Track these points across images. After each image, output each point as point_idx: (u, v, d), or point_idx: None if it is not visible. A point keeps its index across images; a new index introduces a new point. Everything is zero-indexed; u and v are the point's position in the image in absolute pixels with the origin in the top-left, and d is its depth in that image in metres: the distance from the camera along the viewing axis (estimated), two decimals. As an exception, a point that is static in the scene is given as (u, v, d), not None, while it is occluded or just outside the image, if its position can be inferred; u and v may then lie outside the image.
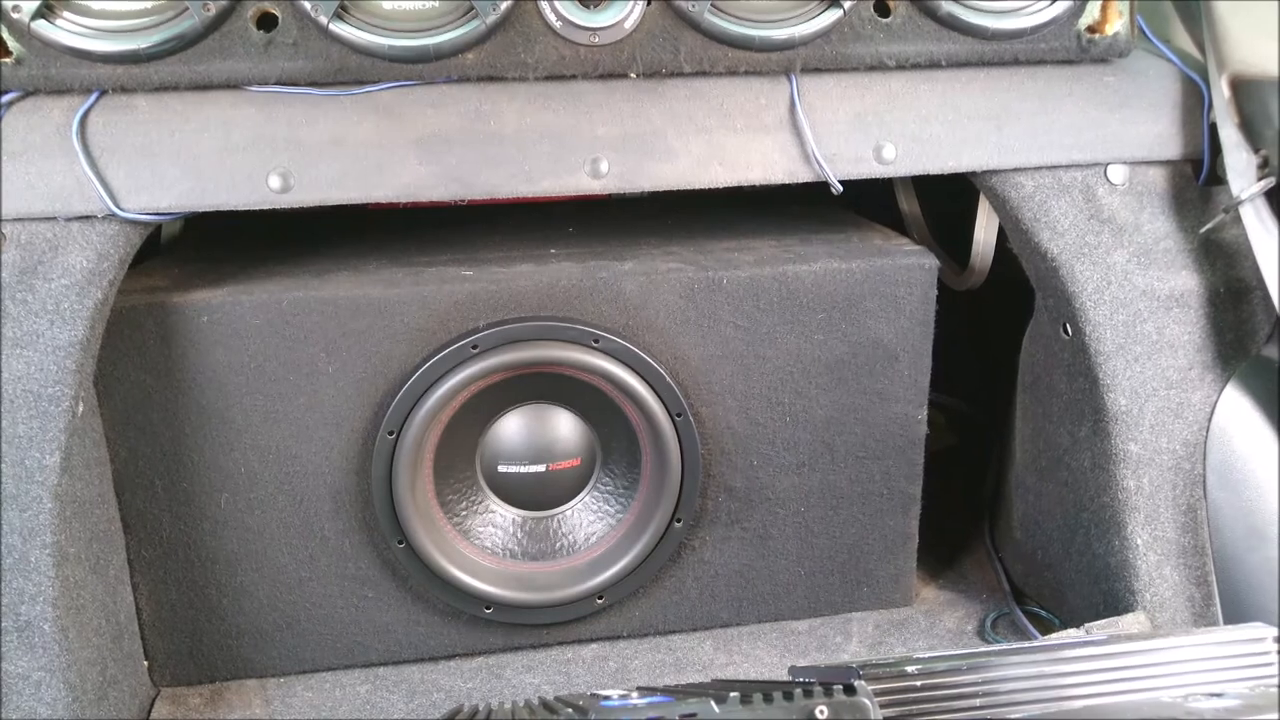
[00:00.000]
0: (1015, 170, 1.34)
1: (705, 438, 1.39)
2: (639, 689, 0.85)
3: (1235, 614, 1.32)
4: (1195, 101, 1.36)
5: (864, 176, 1.32)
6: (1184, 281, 1.35)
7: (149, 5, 1.16)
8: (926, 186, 1.76)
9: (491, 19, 1.18)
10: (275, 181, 1.20)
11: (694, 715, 0.72)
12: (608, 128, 1.26)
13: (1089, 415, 1.37)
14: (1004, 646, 1.06)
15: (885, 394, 1.41)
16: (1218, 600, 1.33)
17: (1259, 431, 1.32)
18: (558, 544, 1.42)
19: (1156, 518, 1.34)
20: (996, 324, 1.58)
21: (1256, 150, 1.29)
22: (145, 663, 1.35)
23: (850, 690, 0.74)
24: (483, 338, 1.30)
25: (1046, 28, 1.32)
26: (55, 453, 1.15)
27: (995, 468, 1.69)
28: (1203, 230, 1.35)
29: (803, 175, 1.31)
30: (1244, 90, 1.31)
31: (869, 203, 1.67)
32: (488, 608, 1.39)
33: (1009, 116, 1.33)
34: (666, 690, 0.83)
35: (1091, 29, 1.33)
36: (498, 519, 1.41)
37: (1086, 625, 1.27)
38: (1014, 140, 1.33)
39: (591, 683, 1.40)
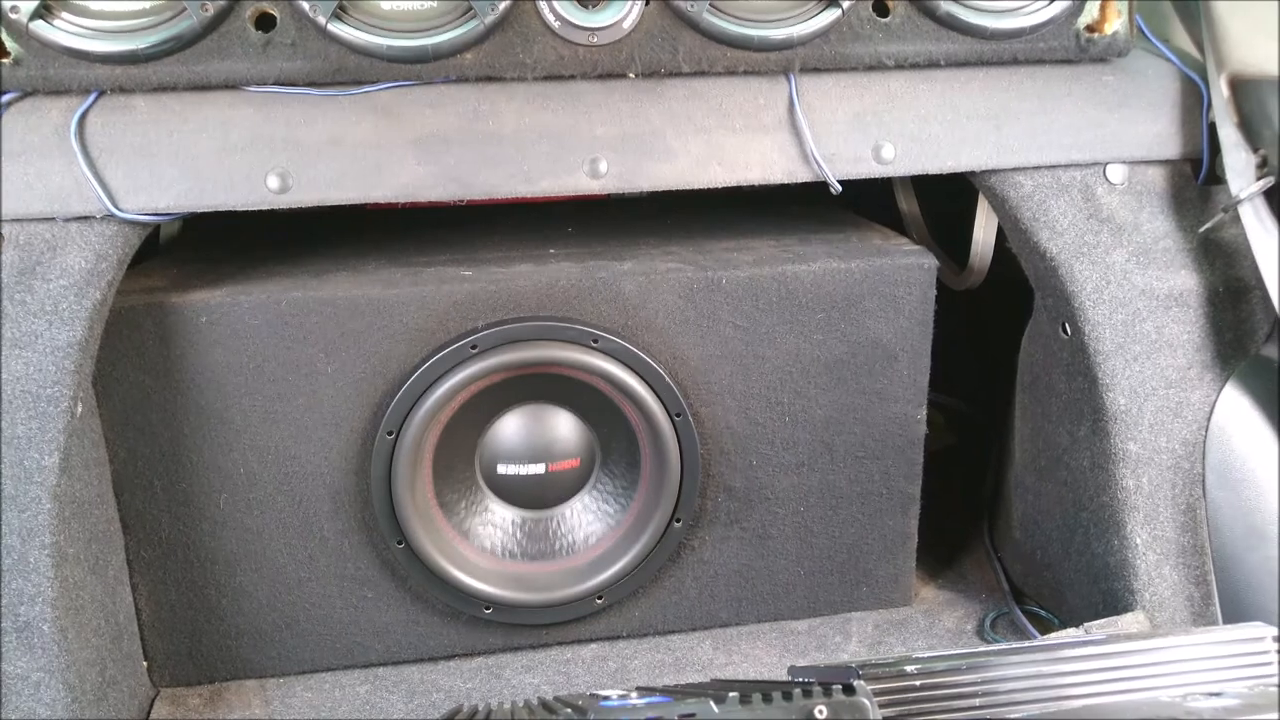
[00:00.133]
0: (1014, 170, 1.34)
1: (704, 438, 1.39)
2: (638, 689, 0.85)
3: (1234, 613, 1.32)
4: (1194, 101, 1.36)
5: (863, 176, 1.32)
6: (1183, 281, 1.35)
7: (147, 6, 1.16)
8: (925, 186, 1.76)
9: (490, 19, 1.18)
10: (274, 182, 1.20)
11: (693, 715, 0.72)
12: (606, 128, 1.26)
13: (1088, 415, 1.37)
14: (1003, 646, 1.07)
15: (884, 394, 1.41)
16: (1217, 600, 1.33)
17: (1258, 431, 1.32)
18: (557, 544, 1.42)
19: (1156, 517, 1.34)
20: (996, 324, 1.58)
21: (1255, 150, 1.29)
22: (144, 663, 1.35)
23: (849, 690, 0.74)
24: (482, 338, 1.30)
25: (1045, 27, 1.32)
26: (54, 453, 1.15)
27: (994, 467, 1.69)
28: (1202, 230, 1.35)
29: (802, 175, 1.31)
30: (1243, 90, 1.31)
31: (868, 203, 1.67)
32: (487, 608, 1.39)
33: (1008, 116, 1.33)
34: (666, 690, 0.83)
35: (1090, 28, 1.33)
36: (497, 519, 1.41)
37: (1086, 625, 1.27)
38: (1013, 140, 1.33)
39: (591, 683, 1.40)
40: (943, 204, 1.75)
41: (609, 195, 1.29)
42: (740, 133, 1.28)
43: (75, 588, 1.19)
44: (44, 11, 1.13)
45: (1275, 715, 0.75)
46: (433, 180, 1.23)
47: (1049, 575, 1.50)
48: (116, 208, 1.17)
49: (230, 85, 1.20)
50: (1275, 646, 0.83)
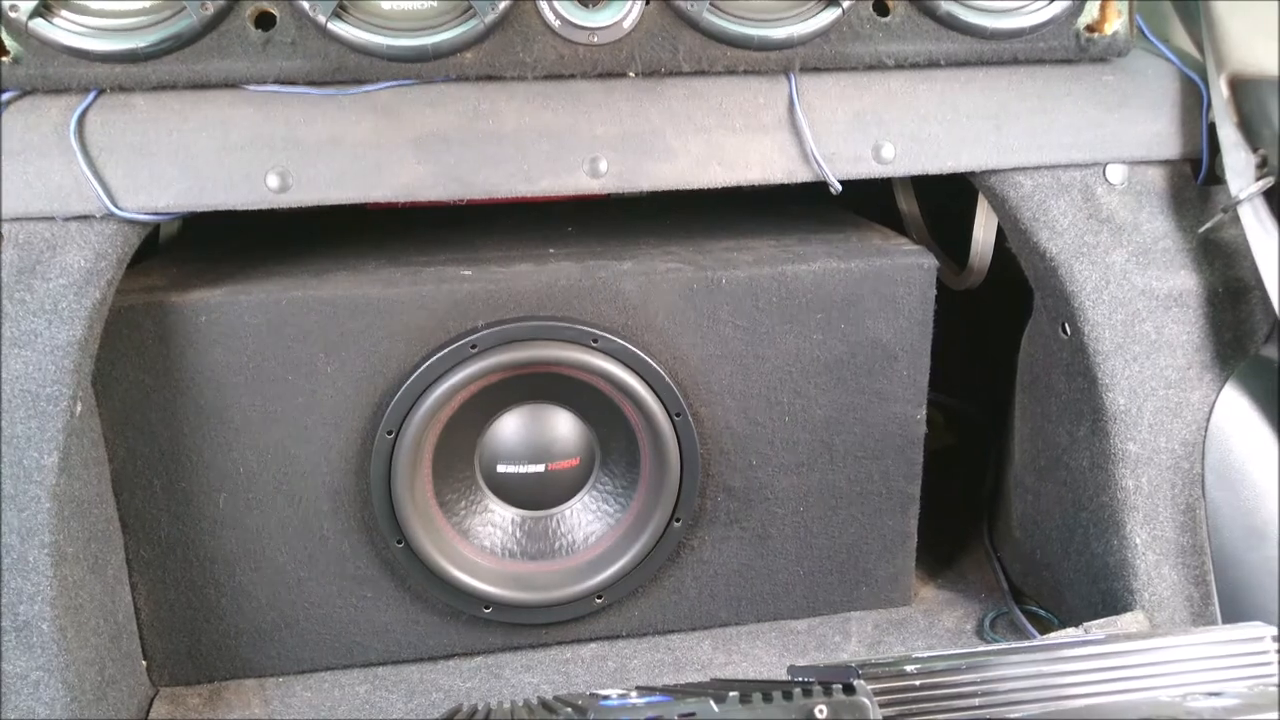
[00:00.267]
0: (1014, 170, 1.34)
1: (704, 437, 1.39)
2: (638, 688, 0.85)
3: (1234, 613, 1.32)
4: (1194, 101, 1.36)
5: (863, 176, 1.32)
6: (1183, 281, 1.35)
7: (147, 4, 1.16)
8: (925, 186, 1.76)
9: (490, 18, 1.18)
10: (273, 181, 1.20)
11: (693, 715, 0.73)
12: (606, 127, 1.26)
13: (1087, 415, 1.37)
14: (1003, 646, 1.07)
15: (884, 393, 1.41)
16: (1216, 599, 1.34)
17: (1258, 431, 1.32)
18: (557, 544, 1.42)
19: (1155, 517, 1.34)
20: (995, 324, 1.58)
21: (1255, 150, 1.29)
22: (144, 662, 1.35)
23: (849, 690, 0.74)
24: (481, 337, 1.30)
25: (1045, 27, 1.32)
26: (53, 452, 1.15)
27: (994, 467, 1.69)
28: (1201, 230, 1.35)
29: (801, 175, 1.31)
30: (1243, 90, 1.31)
31: (868, 202, 1.67)
32: (487, 607, 1.39)
33: (1008, 116, 1.33)
34: (665, 690, 0.83)
35: (1090, 28, 1.34)
36: (497, 519, 1.41)
37: (1085, 624, 1.27)
38: (1013, 140, 1.33)
39: (590, 682, 1.40)
40: (942, 204, 1.75)
41: (609, 195, 1.29)
42: (740, 132, 1.28)
43: (74, 587, 1.18)
44: (43, 10, 1.13)
45: (1275, 715, 0.75)
46: (433, 180, 1.23)
47: (1048, 575, 1.50)
48: (116, 207, 1.17)
49: (230, 84, 1.20)
50: (1274, 646, 0.84)
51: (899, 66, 1.31)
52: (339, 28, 1.17)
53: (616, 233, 1.49)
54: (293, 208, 1.22)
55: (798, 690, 0.73)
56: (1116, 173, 1.36)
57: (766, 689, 0.73)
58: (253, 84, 1.20)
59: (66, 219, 1.17)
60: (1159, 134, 1.36)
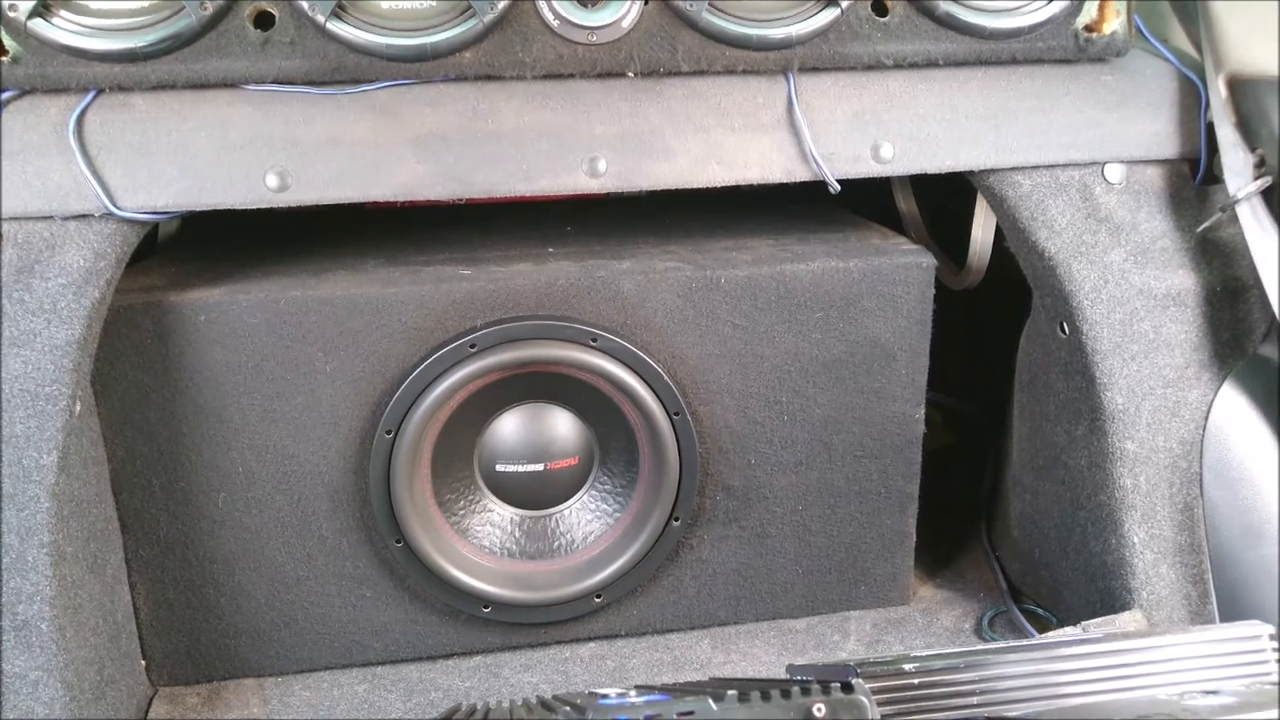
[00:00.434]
0: (1013, 169, 1.34)
1: (703, 436, 1.39)
2: (637, 688, 0.85)
3: (1232, 612, 1.32)
4: (1192, 101, 1.36)
5: (862, 175, 1.32)
6: (1181, 280, 1.35)
7: (146, 4, 1.16)
8: (924, 185, 1.76)
9: (489, 18, 1.18)
10: (272, 180, 1.20)
11: (692, 714, 0.73)
12: (605, 127, 1.26)
13: (1086, 414, 1.37)
14: (1001, 645, 1.06)
15: (883, 393, 1.42)
16: (1214, 598, 1.34)
17: (1256, 430, 1.33)
18: (556, 543, 1.42)
19: (1153, 516, 1.34)
20: (994, 323, 1.58)
21: (1253, 149, 1.29)
22: (143, 662, 1.35)
23: (848, 688, 0.74)
24: (480, 337, 1.30)
25: (1044, 27, 1.32)
26: (52, 452, 1.15)
27: (992, 466, 1.69)
28: (1200, 229, 1.36)
29: (800, 174, 1.31)
30: (1241, 89, 1.31)
31: (867, 202, 1.67)
32: (486, 607, 1.39)
33: (1006, 116, 1.33)
34: (664, 689, 0.83)
35: (1089, 28, 1.34)
36: (496, 518, 1.41)
37: (1083, 623, 1.27)
38: (1011, 139, 1.33)
39: (589, 681, 1.40)
40: (941, 203, 1.75)
41: (608, 194, 1.29)
42: (739, 132, 1.28)
43: (73, 586, 1.18)
44: (43, 10, 1.13)
45: (1273, 714, 0.75)
46: (432, 179, 1.23)
47: (1047, 574, 1.50)
48: (115, 206, 1.17)
49: (229, 84, 1.20)
50: (1272, 645, 0.84)
51: (898, 66, 1.31)
52: (338, 27, 1.17)
53: (615, 232, 1.49)
54: (292, 207, 1.22)
55: (796, 689, 0.73)
56: (1115, 172, 1.36)
57: (765, 688, 0.73)
58: (252, 84, 1.20)
59: (65, 218, 1.17)
60: (1157, 134, 1.36)
